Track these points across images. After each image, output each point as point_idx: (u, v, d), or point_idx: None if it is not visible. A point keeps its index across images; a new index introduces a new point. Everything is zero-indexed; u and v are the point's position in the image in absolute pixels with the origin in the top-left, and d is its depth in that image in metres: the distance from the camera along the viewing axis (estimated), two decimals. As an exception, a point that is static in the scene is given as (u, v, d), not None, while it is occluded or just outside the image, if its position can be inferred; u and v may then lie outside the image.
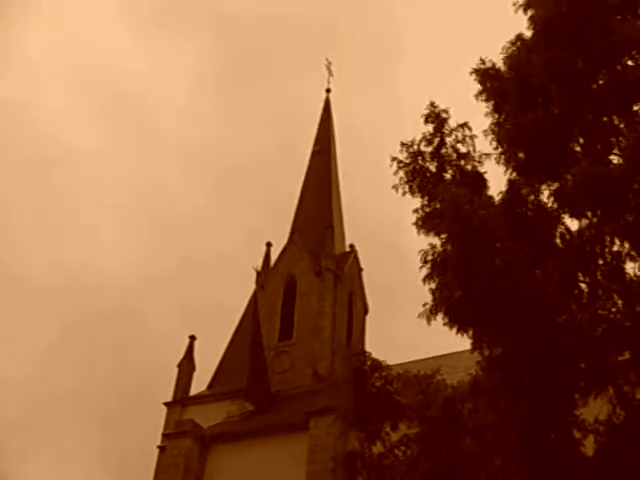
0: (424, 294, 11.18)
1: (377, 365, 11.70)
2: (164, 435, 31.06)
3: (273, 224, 54.44)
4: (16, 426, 59.08)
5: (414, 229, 11.83)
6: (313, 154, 44.41)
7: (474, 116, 12.59)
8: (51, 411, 62.41)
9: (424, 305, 10.96)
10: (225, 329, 36.86)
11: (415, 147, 12.17)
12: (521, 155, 12.00)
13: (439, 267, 10.89)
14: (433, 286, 10.97)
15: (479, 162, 12.10)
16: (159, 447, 30.79)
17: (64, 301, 74.89)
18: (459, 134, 12.17)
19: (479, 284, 10.23)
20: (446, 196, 10.94)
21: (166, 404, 33.07)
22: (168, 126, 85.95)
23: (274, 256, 39.97)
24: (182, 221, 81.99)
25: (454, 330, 10.87)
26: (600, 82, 11.75)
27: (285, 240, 40.33)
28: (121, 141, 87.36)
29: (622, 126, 11.36)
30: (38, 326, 70.70)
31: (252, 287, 38.04)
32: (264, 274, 38.79)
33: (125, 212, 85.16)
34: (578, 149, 11.38)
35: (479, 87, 12.72)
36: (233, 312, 38.34)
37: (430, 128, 12.27)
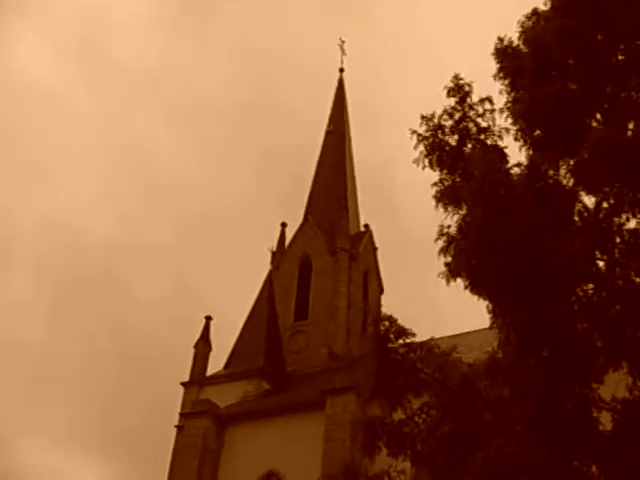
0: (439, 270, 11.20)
1: (402, 331, 11.63)
2: (181, 415, 31.32)
3: (288, 204, 54.49)
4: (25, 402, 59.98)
5: (428, 208, 11.84)
6: (327, 134, 44.29)
7: (491, 94, 12.49)
8: (64, 387, 63.10)
9: (445, 265, 10.95)
10: (241, 309, 36.97)
11: (435, 120, 12.11)
12: (537, 131, 11.92)
13: (457, 238, 10.86)
14: (449, 259, 10.96)
15: (499, 137, 12.03)
16: (177, 427, 31.05)
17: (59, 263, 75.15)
18: (480, 108, 12.09)
19: (502, 251, 10.18)
20: (476, 162, 10.86)
21: (183, 384, 33.27)
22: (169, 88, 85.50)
23: (289, 236, 40.03)
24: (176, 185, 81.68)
25: (473, 294, 10.85)
26: (619, 57, 11.61)
27: (300, 220, 40.35)
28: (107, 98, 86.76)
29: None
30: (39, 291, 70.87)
31: (267, 267, 38.12)
32: (279, 254, 38.87)
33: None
34: (595, 125, 11.28)
35: (497, 66, 12.63)
36: (247, 292, 38.50)
37: (452, 102, 12.18)
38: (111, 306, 72.73)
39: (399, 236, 65.68)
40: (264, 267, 38.11)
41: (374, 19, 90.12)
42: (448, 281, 10.99)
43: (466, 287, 10.90)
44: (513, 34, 12.68)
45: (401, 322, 11.79)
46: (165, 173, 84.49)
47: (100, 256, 73.42)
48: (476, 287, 10.83)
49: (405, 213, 69.15)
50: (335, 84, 46.96)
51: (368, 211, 42.80)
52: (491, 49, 12.76)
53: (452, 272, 10.93)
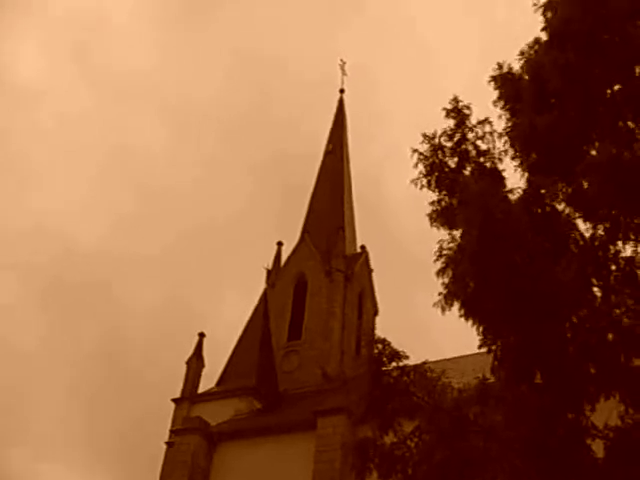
0: (435, 294, 11.19)
1: (395, 354, 11.62)
2: (172, 431, 31.18)
3: (284, 223, 54.58)
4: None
5: (424, 231, 11.87)
6: (326, 154, 44.46)
7: (490, 117, 12.57)
8: (53, 400, 62.78)
9: (440, 294, 10.94)
10: (235, 326, 36.94)
11: (436, 140, 12.16)
12: (533, 156, 12.01)
13: (454, 260, 10.88)
14: (446, 280, 10.96)
15: (499, 159, 12.09)
16: (167, 443, 30.91)
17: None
18: (480, 131, 12.16)
19: (496, 277, 10.21)
20: (471, 188, 10.91)
21: (174, 400, 33.14)
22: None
23: (285, 255, 40.06)
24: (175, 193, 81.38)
25: (467, 322, 10.85)
26: (615, 87, 11.72)
27: (296, 239, 40.41)
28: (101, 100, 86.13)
29: (638, 131, 11.34)
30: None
31: (263, 285, 38.11)
32: (274, 273, 38.88)
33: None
34: (593, 152, 11.36)
35: (496, 93, 12.72)
36: (241, 309, 38.50)
37: (451, 123, 12.25)
38: (102, 317, 72.58)
39: (395, 258, 65.76)
40: (259, 284, 38.19)
41: (376, 39, 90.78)
42: (443, 310, 10.97)
43: (461, 316, 10.90)
44: (513, 58, 12.81)
45: (395, 345, 11.78)
46: (159, 181, 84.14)
47: (91, 264, 72.94)
48: (470, 314, 10.84)
49: (402, 235, 69.21)
50: (334, 99, 47.35)
51: (365, 232, 42.93)
52: (490, 71, 12.85)
53: (446, 301, 10.92)
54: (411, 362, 11.88)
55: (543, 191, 11.22)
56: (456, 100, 12.36)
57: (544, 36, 12.40)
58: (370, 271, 40.12)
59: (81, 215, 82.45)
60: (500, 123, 12.46)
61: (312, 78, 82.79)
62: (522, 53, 12.63)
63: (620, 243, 10.78)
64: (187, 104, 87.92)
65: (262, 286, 38.00)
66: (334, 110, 46.55)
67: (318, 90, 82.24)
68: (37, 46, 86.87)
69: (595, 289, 10.68)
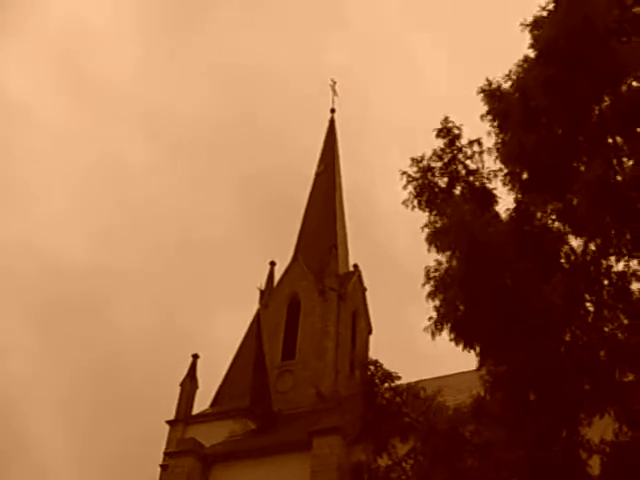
0: (428, 314, 11.19)
1: (387, 375, 11.63)
2: (166, 454, 30.97)
3: (277, 243, 54.55)
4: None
5: (417, 249, 11.88)
6: (317, 175, 44.54)
7: (481, 135, 12.63)
8: (46, 425, 62.29)
9: (429, 319, 10.95)
10: (229, 347, 36.81)
11: (425, 162, 12.20)
12: (525, 175, 12.06)
13: (444, 283, 10.90)
14: (437, 303, 10.97)
15: (488, 179, 12.14)
16: (161, 466, 30.68)
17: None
18: (469, 150, 12.21)
19: (485, 300, 10.25)
20: (453, 212, 10.97)
21: (168, 422, 32.96)
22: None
23: (278, 275, 40.01)
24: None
25: (459, 347, 10.87)
26: (604, 104, 11.80)
27: (289, 259, 40.38)
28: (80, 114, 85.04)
29: (626, 148, 11.40)
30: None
31: (256, 306, 38.05)
32: (267, 293, 38.83)
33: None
34: (582, 169, 11.42)
35: (485, 108, 12.79)
36: (237, 331, 38.35)
37: (441, 143, 12.31)
38: (91, 337, 71.00)
39: (388, 276, 65.76)
40: (252, 305, 38.12)
41: (367, 58, 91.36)
42: (433, 335, 10.96)
43: (451, 340, 10.90)
44: (499, 71, 12.90)
45: (388, 365, 11.79)
46: (143, 194, 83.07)
47: (77, 280, 71.48)
48: (461, 338, 10.83)
49: (394, 253, 69.22)
50: (321, 109, 47.59)
51: (357, 251, 42.95)
52: (478, 88, 12.91)
53: (436, 326, 10.92)
54: (408, 379, 11.89)
55: (533, 209, 11.27)
56: (446, 120, 12.44)
57: (532, 54, 12.51)
58: (364, 290, 40.11)
59: (64, 229, 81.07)
60: (489, 139, 12.54)
61: (298, 90, 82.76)
62: (511, 71, 12.72)
63: (613, 258, 10.82)
64: (171, 115, 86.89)
65: (255, 306, 37.98)
66: (321, 120, 46.85)
67: (305, 101, 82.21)
68: (18, 58, 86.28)
69: (588, 304, 10.71)
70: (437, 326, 10.87)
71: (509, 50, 13.39)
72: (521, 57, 12.69)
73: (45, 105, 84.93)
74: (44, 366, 68.39)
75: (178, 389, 34.03)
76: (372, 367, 11.71)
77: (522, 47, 12.80)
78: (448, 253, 11.15)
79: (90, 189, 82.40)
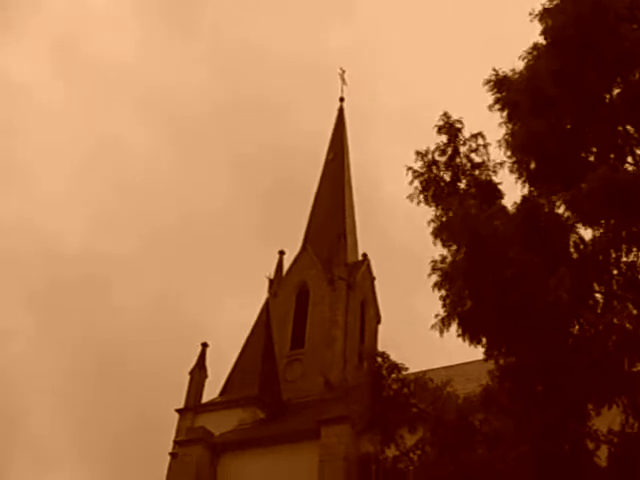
0: (435, 303, 11.19)
1: (394, 367, 11.63)
2: (176, 442, 31.07)
3: (286, 232, 54.46)
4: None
5: (425, 238, 11.84)
6: (327, 162, 44.44)
7: (489, 127, 12.56)
8: (54, 415, 62.57)
9: (436, 316, 10.95)
10: (238, 336, 36.86)
11: (430, 156, 12.15)
12: (532, 165, 11.98)
13: (449, 277, 10.87)
14: (443, 293, 10.96)
15: (493, 172, 12.08)
16: (171, 454, 30.80)
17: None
18: (473, 144, 12.14)
19: (489, 294, 10.22)
20: (455, 207, 10.93)
21: (178, 411, 33.06)
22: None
23: (287, 264, 40.01)
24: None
25: (464, 341, 10.87)
26: (614, 92, 11.70)
27: (298, 248, 40.37)
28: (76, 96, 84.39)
29: (637, 135, 11.31)
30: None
31: (265, 295, 38.07)
32: (277, 282, 38.84)
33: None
34: (592, 158, 11.34)
35: (493, 98, 12.71)
36: (246, 320, 38.38)
37: (444, 138, 12.26)
38: (94, 323, 70.52)
39: (397, 265, 65.69)
40: (262, 294, 38.15)
41: (375, 50, 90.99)
42: (441, 332, 10.96)
43: (459, 335, 10.89)
44: (510, 64, 12.80)
45: (396, 354, 11.79)
46: (143, 176, 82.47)
47: (79, 263, 70.27)
48: (467, 333, 10.82)
49: (403, 242, 69.07)
50: (325, 90, 47.38)
51: (366, 240, 42.88)
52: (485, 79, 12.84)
53: (444, 323, 10.91)
54: (417, 368, 11.88)
55: (542, 201, 11.19)
56: (446, 115, 12.39)
57: (541, 42, 12.40)
58: (372, 279, 40.06)
59: (63, 212, 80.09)
60: (495, 131, 12.47)
61: (303, 72, 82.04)
62: (522, 58, 12.62)
63: (624, 247, 10.74)
64: (171, 98, 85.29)
65: (264, 295, 37.99)
66: (327, 102, 46.72)
67: (310, 83, 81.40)
68: (18, 41, 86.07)
69: (597, 295, 10.65)
70: (444, 322, 10.86)
71: (515, 40, 13.31)
72: (529, 46, 12.59)
73: (45, 88, 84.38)
74: (45, 351, 68.45)
75: (187, 378, 34.15)
76: (379, 359, 11.70)
77: (529, 36, 12.73)
78: (454, 247, 11.12)
79: (90, 172, 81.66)
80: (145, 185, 79.34)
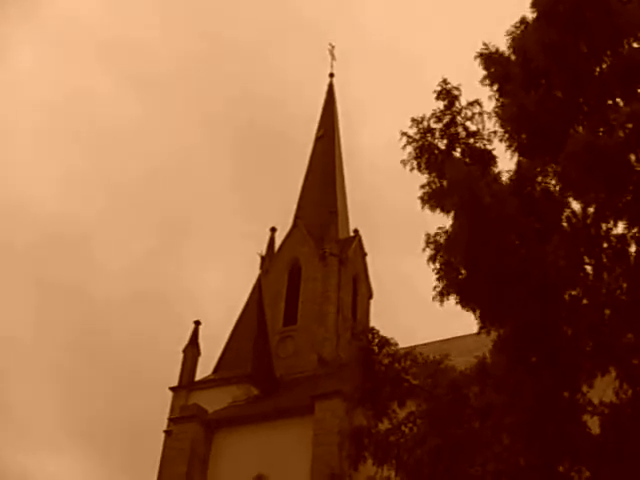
0: (430, 279, 11.27)
1: (385, 342, 11.71)
2: (170, 420, 31.27)
3: (277, 209, 54.40)
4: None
5: (417, 211, 11.88)
6: (317, 139, 44.34)
7: (482, 97, 12.52)
8: (49, 393, 62.62)
9: (435, 288, 11.04)
10: (230, 314, 36.94)
11: (425, 123, 12.13)
12: (524, 136, 12.00)
13: (446, 246, 10.93)
14: (437, 266, 11.03)
15: (488, 140, 12.09)
16: (165, 431, 30.99)
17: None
18: (469, 112, 12.13)
19: (488, 260, 10.29)
20: (457, 171, 10.94)
21: (172, 389, 33.21)
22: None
23: (278, 241, 40.04)
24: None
25: (464, 310, 10.99)
26: (604, 65, 11.71)
27: (289, 225, 40.38)
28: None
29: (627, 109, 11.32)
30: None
31: (257, 272, 38.11)
32: (268, 259, 38.89)
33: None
34: (581, 131, 11.36)
35: (484, 72, 12.69)
36: (237, 296, 38.41)
37: (441, 105, 12.22)
38: (82, 289, 69.91)
39: (388, 241, 65.79)
40: (253, 271, 38.19)
41: (364, 23, 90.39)
42: (442, 302, 11.08)
43: (457, 303, 11.01)
44: (499, 39, 12.78)
45: (387, 330, 11.86)
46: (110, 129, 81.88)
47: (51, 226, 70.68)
48: (466, 302, 10.94)
49: (395, 216, 69.13)
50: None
51: (357, 216, 42.92)
52: (476, 52, 12.82)
53: (442, 293, 11.02)
54: (414, 343, 11.96)
55: (533, 171, 11.24)
56: (445, 82, 12.34)
57: (530, 15, 12.39)
58: (364, 255, 40.15)
59: (32, 170, 78.95)
60: (489, 103, 12.46)
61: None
62: (509, 33, 12.60)
63: (611, 221, 10.82)
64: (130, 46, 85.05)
65: (256, 272, 38.04)
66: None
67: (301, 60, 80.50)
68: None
69: (587, 267, 10.74)
70: (443, 293, 10.96)
71: (505, 13, 13.26)
72: (517, 19, 12.57)
73: (12, 46, 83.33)
74: (40, 329, 68.11)
75: (181, 356, 34.26)
76: (369, 335, 11.78)
77: (517, 10, 12.69)
78: (450, 214, 11.17)
79: (57, 126, 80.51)
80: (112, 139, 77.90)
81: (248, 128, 77.90)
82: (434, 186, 11.70)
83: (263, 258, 38.94)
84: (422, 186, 11.82)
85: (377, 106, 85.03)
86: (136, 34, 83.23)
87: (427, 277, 11.31)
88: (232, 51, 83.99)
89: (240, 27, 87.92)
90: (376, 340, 11.74)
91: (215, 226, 76.43)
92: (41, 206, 72.50)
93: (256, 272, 38.04)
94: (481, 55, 12.70)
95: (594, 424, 10.42)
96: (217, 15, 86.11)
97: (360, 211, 48.09)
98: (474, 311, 11.01)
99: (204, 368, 34.49)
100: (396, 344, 11.76)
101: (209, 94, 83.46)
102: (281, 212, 43.38)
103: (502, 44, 12.70)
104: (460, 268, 10.79)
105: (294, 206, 41.73)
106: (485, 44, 12.76)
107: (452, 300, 11.06)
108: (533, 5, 12.26)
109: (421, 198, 11.71)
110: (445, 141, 12.07)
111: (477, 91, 12.67)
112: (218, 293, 67.59)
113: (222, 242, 72.88)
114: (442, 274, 10.96)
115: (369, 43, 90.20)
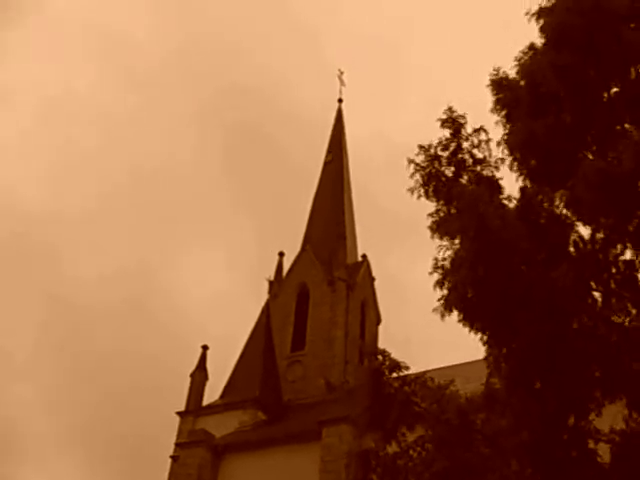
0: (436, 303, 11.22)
1: (395, 365, 11.69)
2: (177, 445, 31.10)
3: (286, 234, 54.49)
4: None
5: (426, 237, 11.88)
6: (325, 164, 44.48)
7: (487, 126, 12.57)
8: (56, 416, 62.35)
9: (439, 300, 11.01)
10: (238, 338, 36.86)
11: (432, 151, 12.18)
12: (533, 162, 12.02)
13: (452, 269, 10.92)
14: (445, 292, 11.01)
15: (495, 167, 12.12)
16: (172, 457, 30.82)
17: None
18: (475, 139, 12.17)
19: (494, 283, 10.27)
20: (465, 195, 10.97)
21: (179, 414, 33.07)
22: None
23: (287, 266, 40.03)
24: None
25: (467, 329, 10.97)
26: (612, 91, 11.74)
27: (297, 250, 40.39)
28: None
29: (636, 134, 11.33)
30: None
31: (265, 296, 38.08)
32: (277, 284, 38.85)
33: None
34: (590, 157, 11.37)
35: (493, 99, 12.73)
36: (246, 321, 38.31)
37: (447, 133, 12.28)
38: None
39: (396, 267, 65.68)
40: (262, 296, 38.16)
41: (373, 49, 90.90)
42: (443, 316, 11.04)
43: (459, 321, 10.96)
44: (507, 65, 12.83)
45: (399, 353, 11.83)
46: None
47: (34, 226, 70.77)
48: (469, 320, 10.90)
49: (404, 245, 69.06)
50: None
51: (366, 241, 42.90)
52: (486, 79, 12.89)
53: (446, 307, 10.98)
54: (418, 369, 11.92)
55: (540, 197, 11.25)
56: (450, 110, 12.40)
57: (539, 41, 12.44)
58: (372, 280, 40.10)
59: (16, 165, 79.58)
60: (497, 130, 12.50)
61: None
62: (517, 59, 12.66)
63: (619, 246, 10.80)
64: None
65: (264, 297, 38.02)
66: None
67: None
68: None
69: (595, 293, 10.70)
70: (446, 307, 10.93)
71: (514, 42, 13.31)
72: (526, 45, 12.62)
73: None
74: (44, 354, 67.71)
75: (188, 380, 34.16)
76: (380, 357, 11.75)
77: (524, 36, 12.76)
78: (457, 241, 11.17)
79: (42, 123, 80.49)
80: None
81: (256, 154, 78.35)
82: (442, 214, 11.72)
83: (271, 283, 38.92)
84: (430, 214, 11.84)
85: (387, 129, 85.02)
86: (125, 28, 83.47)
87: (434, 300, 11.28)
88: (236, 62, 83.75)
89: (245, 34, 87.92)
90: (387, 362, 11.72)
91: (219, 244, 76.31)
92: (28, 205, 72.26)
93: (264, 297, 38.02)
94: (493, 82, 12.76)
95: (605, 452, 10.32)
96: (217, 15, 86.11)
97: (368, 235, 48.04)
98: (476, 331, 10.97)
99: (212, 393, 34.39)
100: (407, 367, 11.73)
101: (212, 112, 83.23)
102: (289, 236, 43.42)
103: (508, 68, 12.79)
104: (467, 289, 10.77)
105: (302, 230, 41.79)
106: (495, 69, 12.83)
107: (454, 317, 11.04)
108: (542, 30, 12.33)
109: (430, 227, 11.71)
110: (452, 168, 12.11)
111: (483, 116, 12.73)
112: (223, 314, 67.36)
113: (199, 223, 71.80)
114: (450, 297, 10.94)
115: (376, 67, 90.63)
